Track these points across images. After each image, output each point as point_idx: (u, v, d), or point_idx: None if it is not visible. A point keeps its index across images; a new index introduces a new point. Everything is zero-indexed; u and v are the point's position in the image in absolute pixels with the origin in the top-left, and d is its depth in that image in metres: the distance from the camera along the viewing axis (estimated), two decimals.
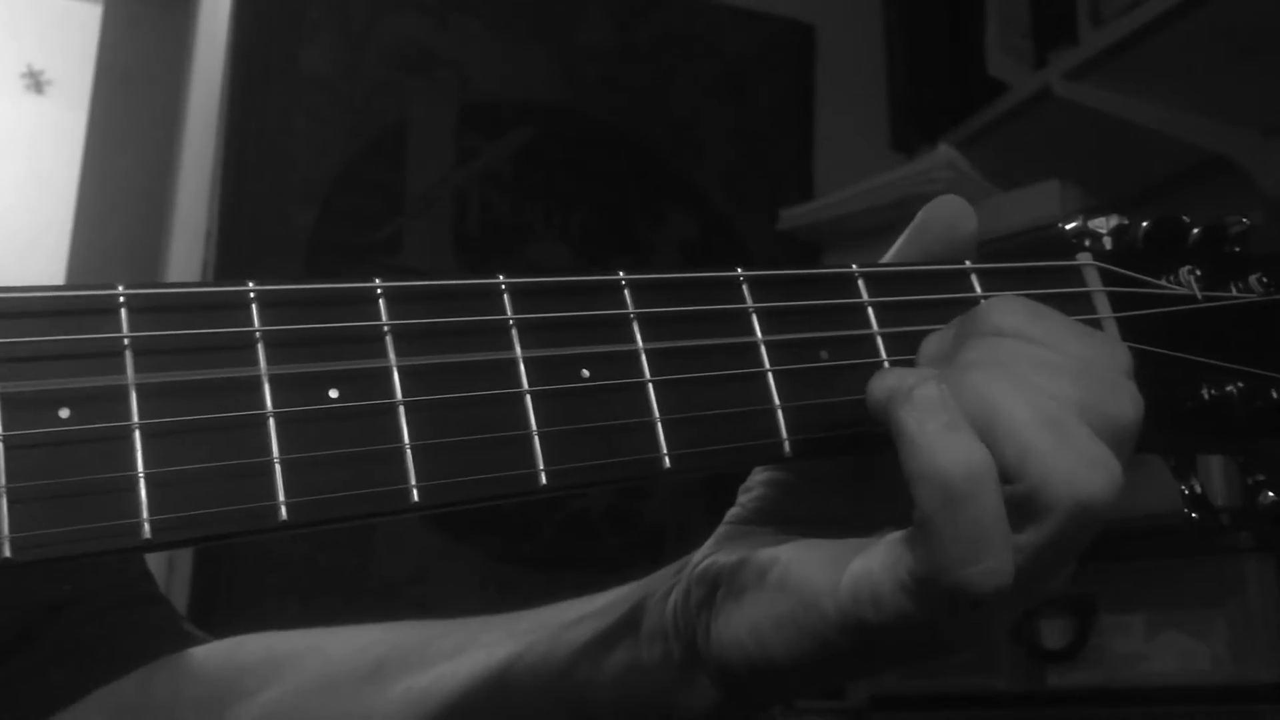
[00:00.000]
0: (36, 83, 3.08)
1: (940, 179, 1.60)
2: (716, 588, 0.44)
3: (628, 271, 0.42)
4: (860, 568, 0.40)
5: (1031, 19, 1.90)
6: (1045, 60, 1.79)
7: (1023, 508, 0.38)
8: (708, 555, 0.46)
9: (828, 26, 2.07)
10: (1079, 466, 0.38)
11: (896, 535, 0.39)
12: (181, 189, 1.70)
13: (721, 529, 0.47)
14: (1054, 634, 1.46)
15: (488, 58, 1.82)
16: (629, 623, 0.47)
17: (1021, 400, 0.39)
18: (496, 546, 1.66)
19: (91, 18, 1.87)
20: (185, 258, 1.70)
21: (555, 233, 1.80)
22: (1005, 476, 0.38)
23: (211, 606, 1.52)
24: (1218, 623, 1.36)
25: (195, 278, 1.63)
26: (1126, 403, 0.41)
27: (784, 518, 0.46)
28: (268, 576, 1.55)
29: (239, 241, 1.64)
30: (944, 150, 1.65)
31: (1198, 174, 1.66)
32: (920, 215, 0.47)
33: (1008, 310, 0.42)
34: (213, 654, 0.62)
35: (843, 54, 2.07)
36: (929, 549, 0.38)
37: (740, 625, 0.43)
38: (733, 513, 0.48)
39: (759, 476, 0.48)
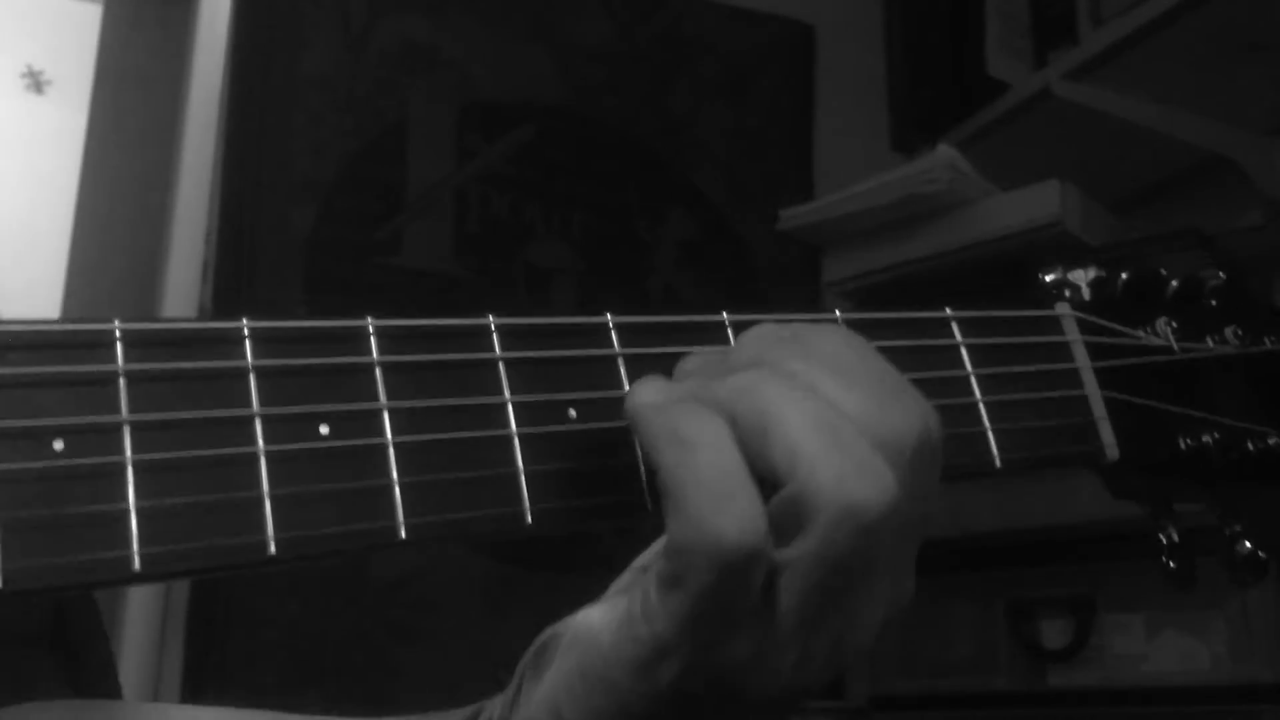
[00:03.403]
0: (36, 83, 3.07)
1: (940, 179, 1.60)
2: (524, 677, 0.43)
3: (615, 314, 0.42)
4: (624, 582, 0.40)
5: (1031, 19, 1.90)
6: (1045, 60, 1.79)
7: (791, 514, 0.37)
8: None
9: (828, 26, 2.07)
10: (847, 470, 0.36)
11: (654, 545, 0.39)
12: (181, 189, 1.70)
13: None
14: (1054, 634, 1.46)
15: (488, 58, 1.82)
16: None
17: (792, 401, 0.38)
18: (496, 547, 1.66)
19: (91, 18, 1.87)
20: (185, 258, 1.70)
21: (555, 233, 1.80)
22: (775, 481, 0.37)
23: (211, 606, 1.52)
24: (1218, 623, 1.36)
25: (195, 278, 1.63)
26: (908, 414, 0.39)
27: None
28: (266, 577, 1.55)
29: (239, 241, 1.64)
30: (944, 150, 1.65)
31: (1198, 174, 1.66)
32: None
33: (769, 329, 0.42)
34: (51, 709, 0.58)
35: (843, 54, 2.07)
36: (679, 509, 0.36)
37: (537, 700, 0.41)
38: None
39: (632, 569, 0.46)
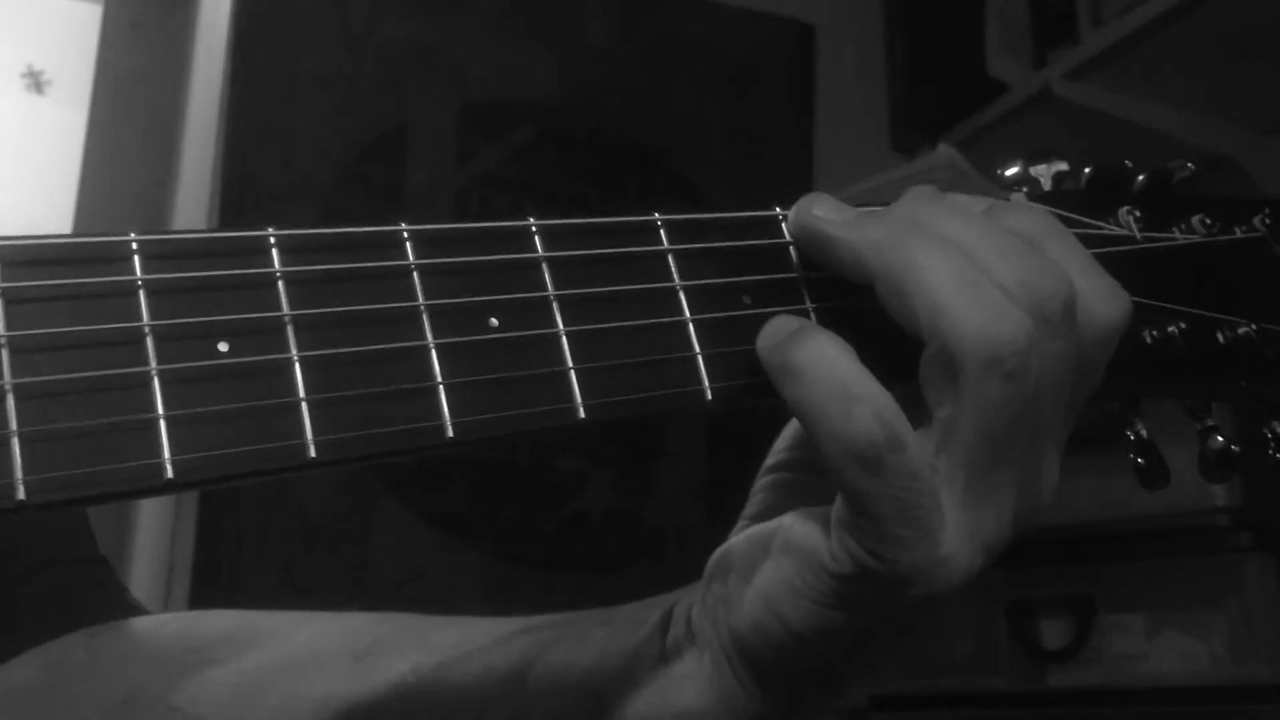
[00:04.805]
0: (36, 83, 3.07)
1: (940, 179, 1.60)
2: (729, 575, 0.43)
3: (537, 218, 0.42)
4: (836, 506, 0.40)
5: (1031, 19, 1.90)
6: (1045, 60, 1.79)
7: (940, 373, 0.39)
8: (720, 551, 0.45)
9: (828, 26, 2.07)
10: (988, 319, 0.38)
11: None
12: (181, 189, 1.70)
13: (733, 534, 0.46)
14: (1054, 634, 1.46)
15: (488, 58, 1.82)
16: (655, 637, 0.46)
17: (933, 258, 0.39)
18: (497, 547, 1.66)
19: (91, 18, 1.87)
20: None
21: None
22: (920, 338, 0.39)
23: (210, 606, 1.52)
24: (1218, 623, 1.36)
25: None
26: (1056, 277, 0.40)
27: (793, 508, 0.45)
28: (267, 576, 1.55)
29: None
30: (944, 150, 1.65)
31: (1198, 174, 1.66)
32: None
33: (923, 188, 0.43)
34: (168, 621, 0.60)
35: (843, 54, 2.07)
36: (818, 435, 0.38)
37: (753, 601, 0.41)
38: (738, 527, 0.47)
39: (761, 481, 0.47)
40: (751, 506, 0.47)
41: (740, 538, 0.44)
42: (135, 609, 0.60)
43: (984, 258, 0.40)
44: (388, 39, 1.77)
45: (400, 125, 1.75)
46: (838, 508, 0.39)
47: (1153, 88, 1.60)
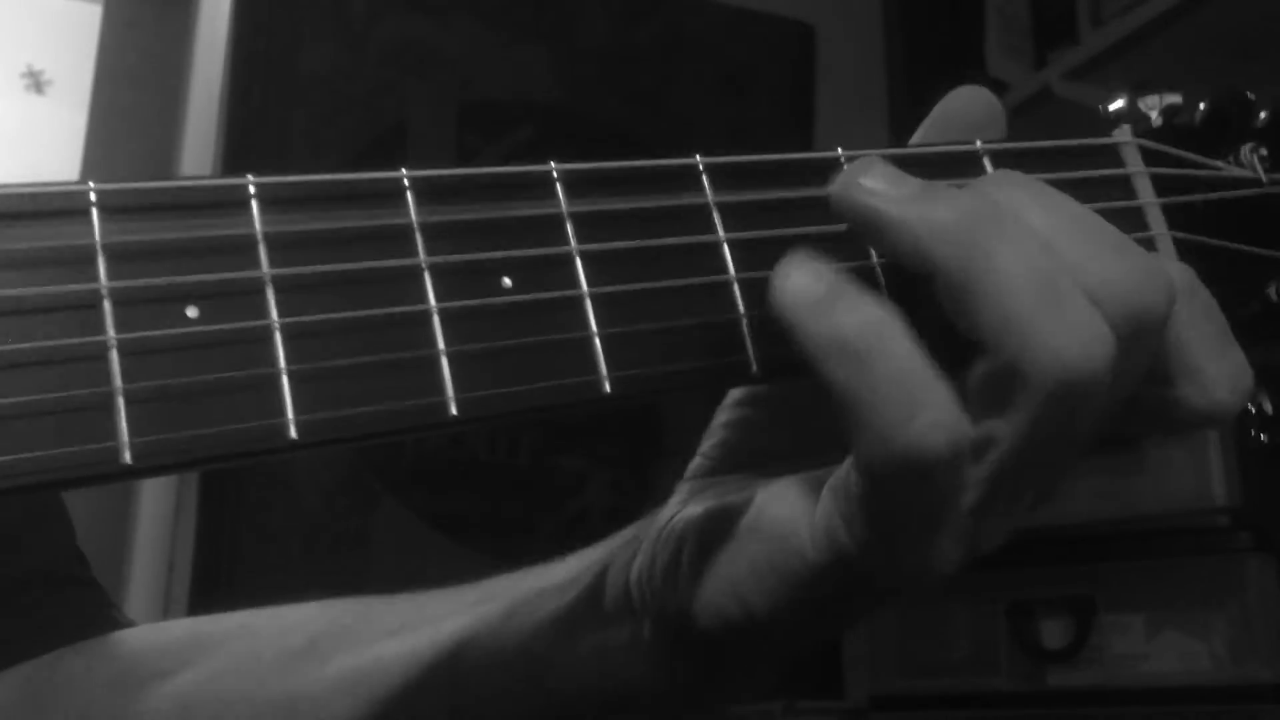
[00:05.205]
0: (36, 83, 3.07)
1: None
2: (683, 548, 0.39)
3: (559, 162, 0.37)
4: (830, 488, 0.35)
5: (1031, 19, 1.90)
6: (1045, 60, 1.79)
7: (997, 388, 0.33)
8: (672, 514, 0.41)
9: (828, 26, 2.07)
10: (1064, 341, 0.32)
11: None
12: None
13: (684, 485, 0.42)
14: (1054, 634, 1.46)
15: (488, 58, 1.82)
16: (591, 600, 0.42)
17: (1007, 252, 0.33)
18: (497, 547, 1.66)
19: (91, 18, 1.87)
20: None
21: None
22: (978, 341, 0.33)
23: (211, 608, 1.52)
24: (1218, 623, 1.36)
25: None
26: (1148, 274, 0.34)
27: (754, 458, 0.41)
28: (267, 576, 1.55)
29: None
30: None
31: None
32: (937, 108, 0.41)
33: (1011, 174, 0.37)
34: (133, 636, 0.58)
35: (843, 54, 2.07)
36: (863, 426, 0.32)
37: (715, 583, 0.37)
38: (694, 465, 0.42)
39: (719, 419, 0.42)
40: (704, 458, 0.43)
41: (700, 510, 0.40)
42: (117, 625, 0.59)
43: (1072, 256, 0.34)
44: (387, 39, 1.77)
45: (400, 125, 1.75)
46: (842, 502, 0.34)
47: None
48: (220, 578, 1.54)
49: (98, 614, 0.59)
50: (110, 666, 0.55)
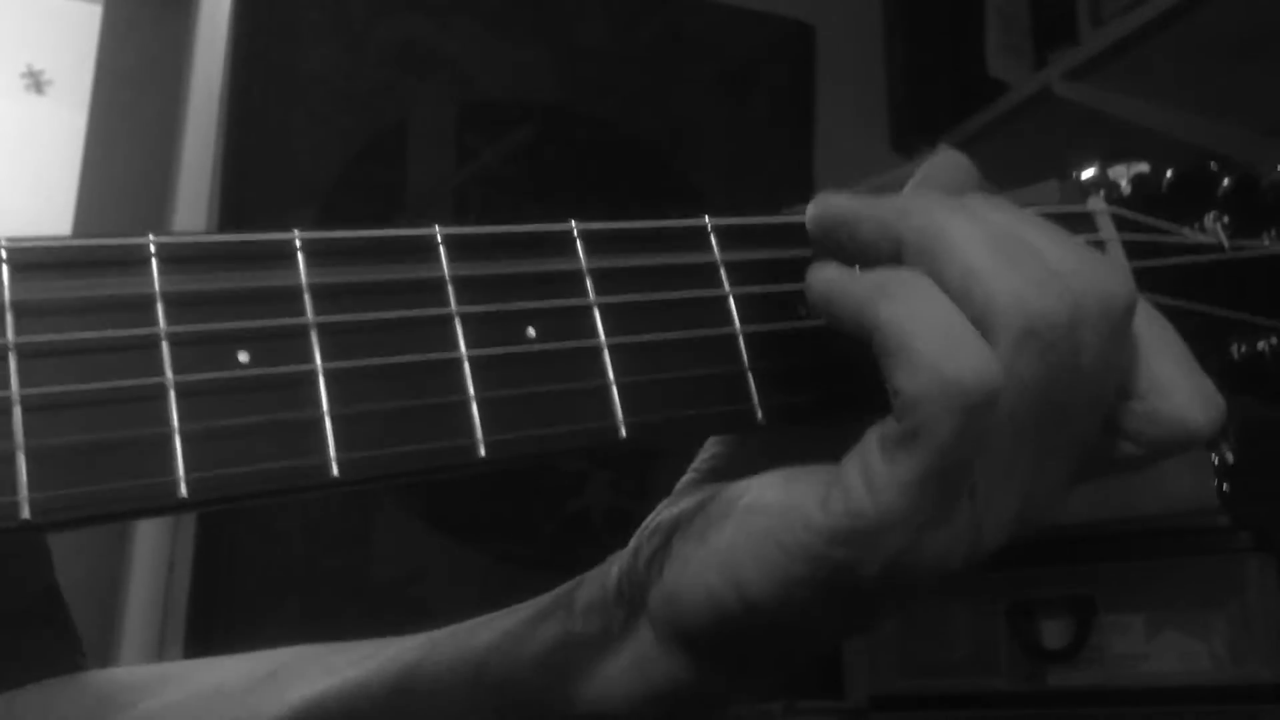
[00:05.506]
0: (36, 83, 3.07)
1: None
2: (672, 537, 0.40)
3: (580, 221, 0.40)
4: (855, 456, 0.36)
5: (1031, 19, 1.90)
6: (1045, 60, 1.79)
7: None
8: (659, 513, 0.42)
9: (828, 26, 2.07)
10: (1026, 287, 0.35)
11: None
12: (181, 189, 1.70)
13: (676, 492, 0.43)
14: (1054, 634, 1.46)
15: (488, 58, 1.82)
16: (561, 600, 0.43)
17: (963, 222, 0.37)
18: (497, 547, 1.66)
19: (91, 18, 1.87)
20: None
21: None
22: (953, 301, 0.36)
23: (211, 608, 1.52)
24: (1218, 623, 1.36)
25: None
26: (1095, 266, 0.37)
27: (745, 469, 0.41)
28: (268, 576, 1.55)
29: None
30: (944, 150, 1.65)
31: None
32: (919, 173, 0.44)
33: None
34: (98, 675, 0.58)
35: (843, 54, 2.07)
36: (910, 362, 0.34)
37: (705, 561, 0.38)
38: (685, 480, 0.44)
39: (711, 442, 0.44)
40: (695, 473, 0.44)
41: (690, 501, 0.41)
42: (82, 669, 0.58)
43: (1032, 240, 0.37)
44: (388, 39, 1.77)
45: (400, 125, 1.75)
46: (874, 456, 0.35)
47: (1153, 88, 1.60)
48: (220, 578, 1.54)
49: (60, 658, 0.58)
50: (72, 703, 0.55)
